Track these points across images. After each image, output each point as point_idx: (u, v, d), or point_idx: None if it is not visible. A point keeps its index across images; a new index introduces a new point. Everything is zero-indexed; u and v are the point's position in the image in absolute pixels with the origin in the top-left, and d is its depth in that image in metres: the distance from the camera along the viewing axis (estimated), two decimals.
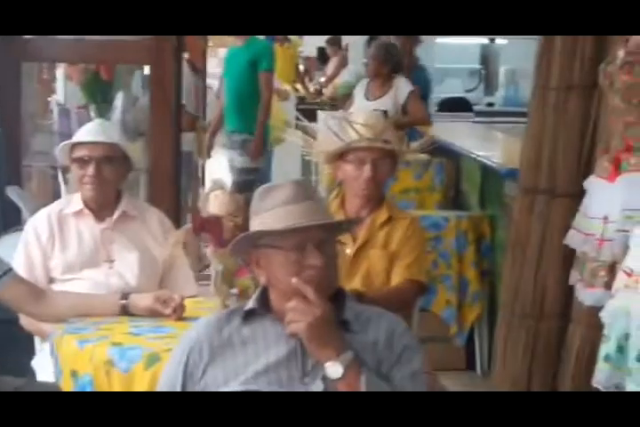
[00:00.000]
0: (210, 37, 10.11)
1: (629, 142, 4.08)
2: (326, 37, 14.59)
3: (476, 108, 12.37)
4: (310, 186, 3.22)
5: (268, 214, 2.72)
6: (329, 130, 4.71)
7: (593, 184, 4.49)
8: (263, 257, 2.74)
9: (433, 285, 5.86)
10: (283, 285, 2.68)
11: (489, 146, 7.39)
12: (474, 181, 7.27)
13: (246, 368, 2.70)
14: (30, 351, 4.24)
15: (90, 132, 4.37)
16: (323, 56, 15.58)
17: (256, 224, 2.74)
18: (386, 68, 8.30)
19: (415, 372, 2.73)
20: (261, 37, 9.86)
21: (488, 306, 6.32)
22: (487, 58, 14.48)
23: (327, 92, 13.10)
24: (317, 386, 2.64)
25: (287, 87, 12.59)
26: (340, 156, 4.33)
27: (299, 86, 13.03)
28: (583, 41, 5.11)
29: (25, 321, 4.12)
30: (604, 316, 3.71)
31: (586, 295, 4.34)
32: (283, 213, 2.70)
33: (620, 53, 4.10)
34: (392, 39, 9.61)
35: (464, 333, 6.36)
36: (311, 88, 14.13)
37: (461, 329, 6.35)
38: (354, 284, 4.08)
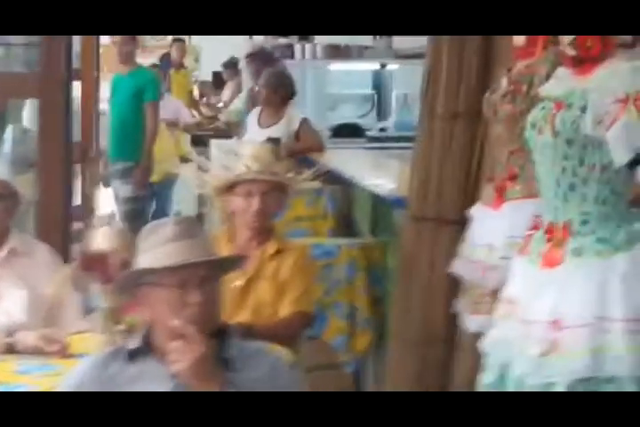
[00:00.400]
0: (103, 64, 9.99)
1: (513, 171, 4.12)
2: (224, 61, 14.70)
3: (368, 133, 12.54)
4: (194, 223, 3.18)
5: (152, 252, 2.75)
6: (219, 162, 4.86)
7: (478, 212, 4.50)
8: (146, 295, 2.75)
9: (324, 312, 5.97)
10: (165, 323, 2.69)
11: (380, 173, 7.45)
12: (365, 208, 7.26)
13: None
14: None
15: None
16: (218, 81, 15.68)
17: (140, 262, 2.76)
18: (278, 97, 8.46)
19: None
20: (148, 67, 10.08)
21: (379, 333, 6.21)
22: (379, 83, 14.82)
23: (222, 117, 13.24)
24: None
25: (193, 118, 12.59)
26: (228, 188, 4.37)
27: (194, 112, 13.02)
28: (468, 69, 5.19)
29: None
30: (485, 344, 3.70)
31: (470, 322, 4.34)
32: (165, 251, 2.74)
33: (503, 83, 4.16)
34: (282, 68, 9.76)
35: (354, 360, 6.38)
36: (207, 114, 14.26)
37: (352, 356, 6.37)
38: (243, 316, 4.13)
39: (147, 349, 2.78)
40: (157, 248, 2.80)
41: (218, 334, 2.81)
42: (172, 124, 10.28)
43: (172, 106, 10.66)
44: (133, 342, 2.83)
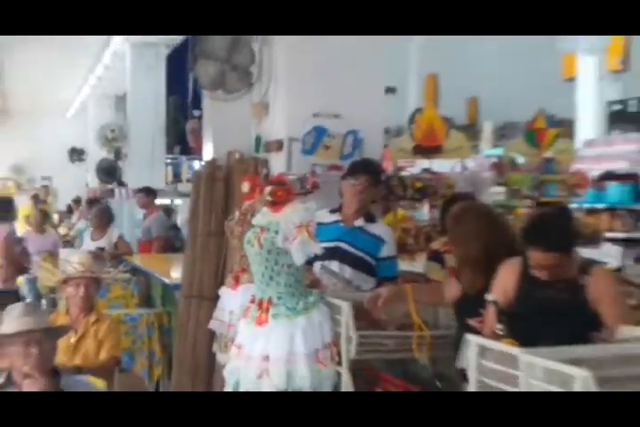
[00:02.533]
0: None
1: (243, 267, 4.81)
2: (75, 196, 18.08)
3: None
4: (36, 306, 4.39)
5: (6, 324, 3.43)
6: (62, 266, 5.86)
7: (224, 291, 5.20)
8: (7, 350, 3.38)
9: (134, 355, 6.78)
10: (19, 368, 3.34)
11: (168, 267, 8.03)
12: (157, 290, 7.92)
13: None
14: None
15: None
16: (70, 210, 18.26)
17: (1, 330, 3.43)
18: (103, 221, 9.25)
19: None
20: None
21: (168, 366, 6.88)
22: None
23: (71, 233, 14.29)
24: None
25: None
26: (65, 282, 5.20)
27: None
28: (216, 206, 5.95)
29: None
30: (226, 371, 4.40)
31: (221, 358, 5.03)
32: (15, 323, 3.40)
33: (236, 214, 4.81)
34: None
35: (153, 383, 7.05)
36: (62, 231, 15.12)
37: (152, 381, 7.07)
38: (76, 361, 4.82)
39: (9, 382, 3.38)
40: (10, 321, 3.42)
41: (54, 373, 3.40)
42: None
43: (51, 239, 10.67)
44: (1, 379, 3.44)
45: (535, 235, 3.56)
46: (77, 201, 17.49)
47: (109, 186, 12.29)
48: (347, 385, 4.00)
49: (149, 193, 10.89)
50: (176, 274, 6.94)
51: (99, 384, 3.97)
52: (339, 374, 4.08)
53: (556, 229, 3.64)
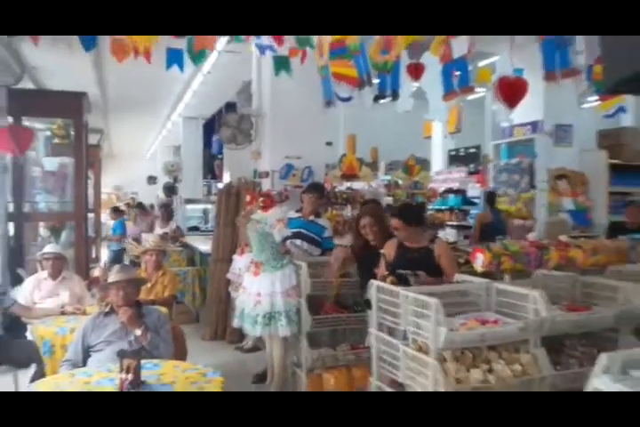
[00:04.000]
0: None
1: (246, 243, 4.65)
2: (150, 203, 14.00)
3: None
4: (127, 266, 3.86)
5: (110, 276, 3.38)
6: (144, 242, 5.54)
7: (235, 257, 5.20)
8: (110, 291, 3.31)
9: (184, 293, 6.43)
10: (116, 302, 3.27)
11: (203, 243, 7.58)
12: (197, 256, 7.54)
13: (104, 334, 3.20)
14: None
15: None
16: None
17: (108, 279, 3.37)
18: (166, 218, 8.18)
19: (165, 337, 3.23)
20: None
21: (203, 300, 6.62)
22: None
23: None
24: (131, 341, 3.12)
25: None
26: (144, 252, 5.05)
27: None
28: (231, 207, 5.79)
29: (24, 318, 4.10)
30: (237, 302, 4.28)
31: (234, 294, 4.97)
32: (113, 276, 3.32)
33: (242, 213, 4.61)
34: None
35: (195, 309, 6.69)
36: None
37: (195, 307, 6.74)
38: (151, 297, 4.65)
39: (111, 311, 3.28)
40: (112, 275, 3.38)
41: (137, 304, 3.34)
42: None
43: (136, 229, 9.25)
44: (106, 309, 3.34)
45: (396, 210, 3.70)
46: (152, 206, 15.28)
47: (170, 198, 12.13)
48: (304, 309, 3.95)
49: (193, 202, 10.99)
50: (206, 247, 6.77)
51: (163, 310, 3.86)
52: (299, 303, 4.03)
53: (408, 209, 3.74)
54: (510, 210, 6.03)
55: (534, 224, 5.87)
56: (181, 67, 4.33)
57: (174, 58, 4.33)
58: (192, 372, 2.78)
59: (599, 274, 3.35)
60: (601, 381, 1.66)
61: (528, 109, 5.76)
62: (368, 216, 3.90)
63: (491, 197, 6.46)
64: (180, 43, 4.18)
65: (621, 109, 6.45)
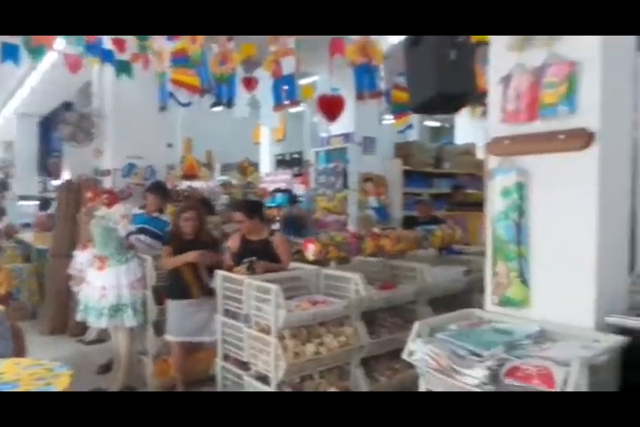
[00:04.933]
0: None
1: (88, 239, 4.12)
2: None
3: None
4: None
5: None
6: None
7: (77, 252, 4.66)
8: None
9: (20, 289, 5.76)
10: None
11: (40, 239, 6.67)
12: (34, 252, 6.68)
13: None
14: None
15: None
16: None
17: None
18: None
19: (4, 334, 2.69)
20: None
21: (41, 296, 5.95)
22: None
23: None
24: None
25: None
26: None
27: None
28: (70, 203, 5.26)
29: None
30: (81, 295, 3.84)
31: (75, 289, 4.38)
32: None
33: (83, 210, 4.19)
34: None
35: (31, 306, 6.00)
36: None
37: (31, 304, 5.98)
38: None
39: None
40: None
41: None
42: None
43: None
44: None
45: (238, 205, 3.73)
46: None
47: (2, 193, 10.60)
48: (150, 300, 3.76)
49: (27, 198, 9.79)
50: (43, 243, 6.12)
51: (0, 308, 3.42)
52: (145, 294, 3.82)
53: (249, 204, 3.78)
54: (328, 207, 6.29)
55: (347, 219, 6.22)
56: (17, 62, 3.87)
57: (9, 53, 3.84)
58: (37, 368, 2.34)
59: (401, 258, 3.66)
60: (415, 344, 1.81)
61: (342, 123, 6.08)
62: (193, 210, 3.71)
63: (293, 198, 6.70)
64: (16, 38, 3.74)
65: (410, 127, 7.21)
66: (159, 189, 4.64)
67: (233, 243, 3.55)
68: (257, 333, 2.71)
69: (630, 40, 1.90)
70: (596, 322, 1.76)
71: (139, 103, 5.37)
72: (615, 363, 1.62)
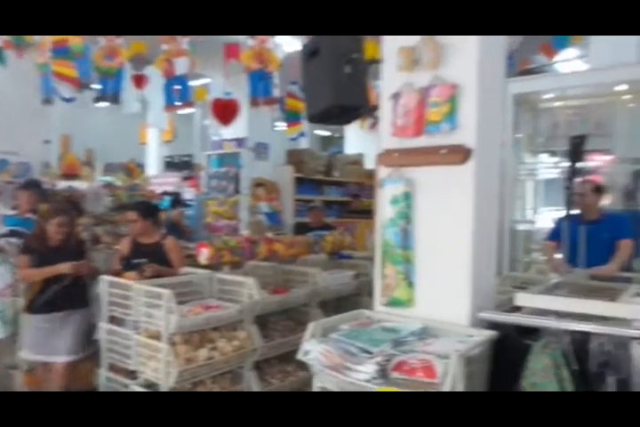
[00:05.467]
0: None
1: None
2: None
3: None
4: None
5: None
6: None
7: None
8: None
9: None
10: None
11: None
12: None
13: None
14: None
15: None
16: None
17: None
18: None
19: None
20: None
21: None
22: None
23: None
24: None
25: None
26: None
27: None
28: None
29: None
30: None
31: None
32: None
33: None
34: None
35: None
36: None
37: None
38: None
39: None
40: None
41: None
42: None
43: None
44: None
45: (133, 204, 3.59)
46: None
47: None
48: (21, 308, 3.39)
49: None
50: None
51: None
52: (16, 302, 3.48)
53: (145, 204, 3.65)
54: (219, 211, 6.24)
55: (238, 224, 6.21)
56: None
57: None
58: None
59: (294, 263, 3.73)
60: (309, 344, 1.89)
61: (235, 128, 6.08)
62: (64, 215, 3.29)
63: (174, 202, 6.60)
64: None
65: (302, 134, 7.44)
66: (34, 188, 4.31)
67: (123, 246, 3.42)
68: (146, 339, 2.62)
69: (501, 67, 2.17)
70: (471, 319, 1.96)
71: (15, 97, 5.02)
72: (487, 354, 1.82)
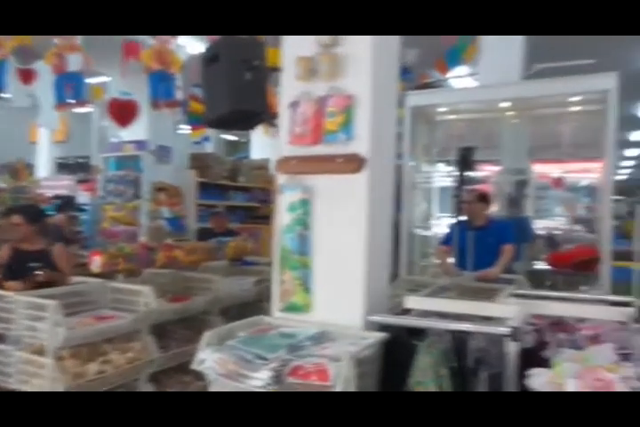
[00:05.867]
0: None
1: None
2: None
3: None
4: None
5: None
6: None
7: None
8: None
9: None
10: None
11: None
12: None
13: None
14: None
15: None
16: None
17: None
18: None
19: None
20: None
21: None
22: None
23: None
24: None
25: None
26: None
27: None
28: None
29: None
30: None
31: None
32: None
33: None
34: None
35: None
36: None
37: None
38: None
39: None
40: None
41: None
42: None
43: None
44: None
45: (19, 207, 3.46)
46: None
47: None
48: None
49: None
50: None
51: None
52: None
53: (32, 208, 3.50)
54: (117, 217, 5.96)
55: (138, 229, 5.97)
56: None
57: None
58: None
59: (195, 270, 3.64)
60: (204, 352, 1.87)
61: (135, 129, 5.85)
62: None
63: (61, 206, 6.30)
64: None
65: (206, 139, 7.32)
66: None
67: (2, 253, 3.19)
68: (29, 355, 2.45)
69: (395, 80, 2.29)
70: (364, 322, 2.04)
71: None
72: (378, 355, 1.90)
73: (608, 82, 3.61)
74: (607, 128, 3.62)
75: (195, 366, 1.87)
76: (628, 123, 10.84)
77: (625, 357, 1.46)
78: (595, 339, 1.74)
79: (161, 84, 4.67)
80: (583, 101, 4.13)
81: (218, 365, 1.80)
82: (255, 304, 3.55)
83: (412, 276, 4.02)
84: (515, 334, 1.53)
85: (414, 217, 4.85)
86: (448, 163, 5.12)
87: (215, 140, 10.27)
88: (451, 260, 3.78)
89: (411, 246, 4.69)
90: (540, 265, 4.74)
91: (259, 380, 1.70)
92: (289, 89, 2.18)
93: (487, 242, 3.57)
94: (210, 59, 2.40)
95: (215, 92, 2.39)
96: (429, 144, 5.00)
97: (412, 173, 4.78)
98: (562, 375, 1.32)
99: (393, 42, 2.22)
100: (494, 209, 5.08)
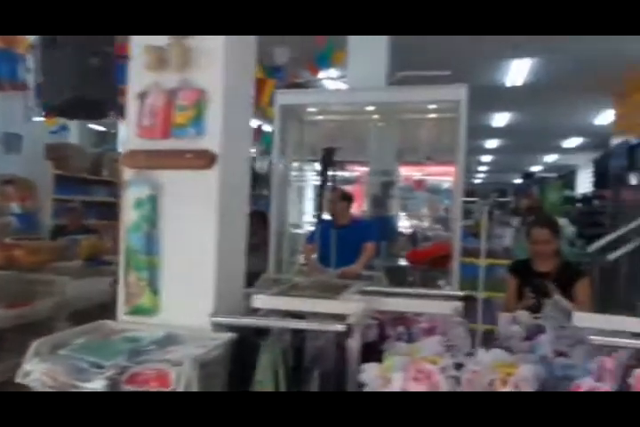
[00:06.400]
0: None
1: None
2: None
3: None
4: None
5: None
6: None
7: None
8: None
9: None
10: None
11: None
12: None
13: None
14: None
15: None
16: None
17: None
18: None
19: None
20: None
21: None
22: None
23: None
24: None
25: None
26: None
27: None
28: None
29: None
30: None
31: None
32: None
33: None
34: None
35: None
36: None
37: None
38: None
39: None
40: None
41: None
42: None
43: None
44: None
45: None
46: None
47: None
48: None
49: None
50: None
51: None
52: None
53: None
54: None
55: None
56: None
57: None
58: None
59: (41, 271, 3.32)
60: (31, 364, 1.70)
61: None
62: None
63: None
64: None
65: (64, 128, 6.75)
66: None
67: None
68: None
69: (250, 76, 2.27)
70: (214, 324, 1.99)
71: None
72: (224, 356, 1.87)
73: (459, 93, 3.88)
74: (458, 136, 3.91)
75: (19, 378, 1.70)
76: (484, 131, 11.98)
77: (449, 348, 1.58)
78: (430, 331, 1.87)
79: (5, 63, 4.21)
80: (439, 109, 4.43)
81: (46, 376, 1.66)
82: (114, 307, 3.39)
83: (280, 274, 4.05)
84: (350, 331, 1.58)
85: (286, 215, 4.92)
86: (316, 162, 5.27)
87: (80, 129, 9.54)
88: (315, 257, 3.89)
89: (280, 244, 4.74)
90: (402, 262, 5.07)
91: (92, 391, 1.59)
92: (137, 78, 2.06)
93: (350, 240, 3.72)
94: (49, 43, 2.20)
95: (56, 77, 2.21)
96: (300, 143, 5.08)
97: (283, 171, 4.82)
98: (390, 369, 1.39)
99: (249, 37, 2.19)
100: (363, 208, 5.32)
